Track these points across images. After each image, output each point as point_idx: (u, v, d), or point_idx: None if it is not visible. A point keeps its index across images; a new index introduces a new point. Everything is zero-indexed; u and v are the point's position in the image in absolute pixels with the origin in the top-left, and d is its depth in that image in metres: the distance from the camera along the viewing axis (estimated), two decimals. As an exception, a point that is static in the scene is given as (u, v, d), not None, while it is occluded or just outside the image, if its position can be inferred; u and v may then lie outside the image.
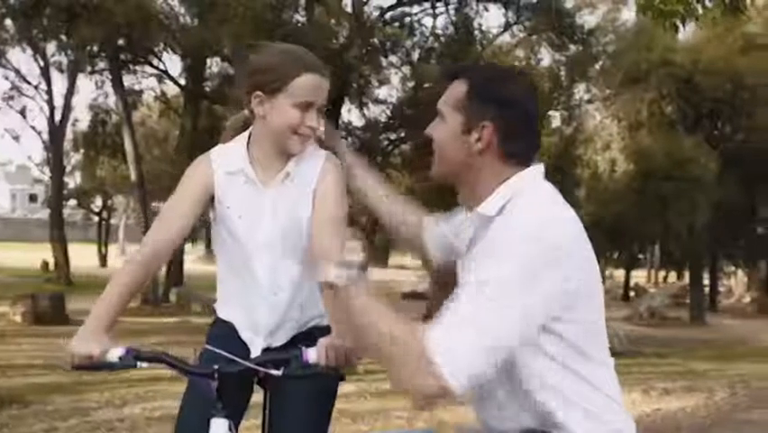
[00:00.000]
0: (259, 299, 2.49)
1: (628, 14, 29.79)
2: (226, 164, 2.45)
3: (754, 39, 28.09)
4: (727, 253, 36.69)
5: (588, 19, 26.48)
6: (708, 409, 7.59)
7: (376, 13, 21.99)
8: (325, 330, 2.49)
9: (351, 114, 28.44)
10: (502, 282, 1.93)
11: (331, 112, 21.17)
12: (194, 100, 26.02)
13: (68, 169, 40.95)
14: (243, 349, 2.51)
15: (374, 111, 23.33)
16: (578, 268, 2.03)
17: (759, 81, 27.81)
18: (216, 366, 2.20)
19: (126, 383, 9.69)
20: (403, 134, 22.66)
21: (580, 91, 29.52)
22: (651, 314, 29.54)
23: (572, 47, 23.43)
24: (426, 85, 21.07)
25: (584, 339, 2.08)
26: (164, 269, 25.88)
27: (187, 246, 29.60)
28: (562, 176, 25.22)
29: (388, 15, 22.26)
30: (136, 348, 2.22)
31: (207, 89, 25.90)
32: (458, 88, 2.17)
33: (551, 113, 26.30)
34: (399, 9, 22.48)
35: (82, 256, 38.30)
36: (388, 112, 22.99)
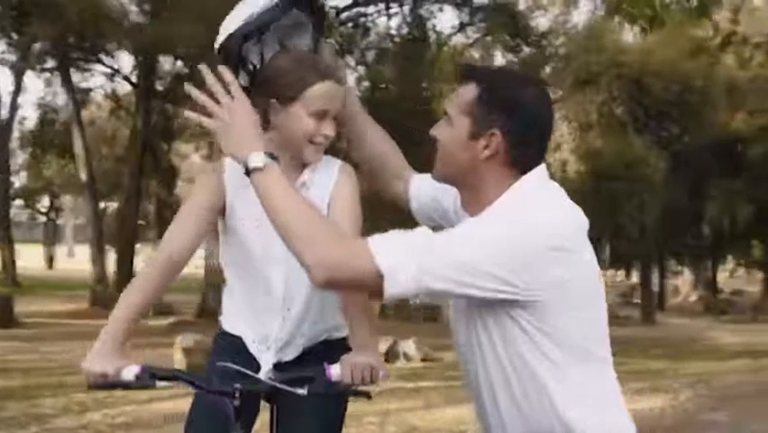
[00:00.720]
0: (271, 312, 2.43)
1: (579, 17, 30.11)
2: (239, 173, 2.37)
3: (701, 42, 28.56)
4: (675, 252, 37.23)
5: (540, 21, 26.71)
6: (675, 410, 7.69)
7: (332, 14, 21.87)
8: (335, 344, 2.48)
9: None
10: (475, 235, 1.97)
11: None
12: (146, 99, 25.66)
13: (15, 168, 40.11)
14: (252, 364, 2.43)
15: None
16: (571, 264, 2.01)
17: (707, 83, 28.29)
18: (238, 385, 2.14)
19: (81, 388, 9.50)
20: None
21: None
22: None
23: (526, 49, 23.57)
24: (382, 86, 21.04)
25: (586, 339, 2.07)
26: (113, 267, 25.57)
27: (137, 246, 29.09)
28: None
29: (343, 16, 22.19)
30: (151, 366, 2.14)
31: (160, 88, 25.54)
32: (468, 92, 2.13)
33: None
34: (355, 9, 22.43)
35: (28, 257, 37.61)
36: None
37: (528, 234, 1.96)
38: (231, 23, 2.30)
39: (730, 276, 44.21)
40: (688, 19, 7.89)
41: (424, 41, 22.80)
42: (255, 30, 2.28)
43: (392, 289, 1.93)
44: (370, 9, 22.62)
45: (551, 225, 1.99)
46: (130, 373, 2.11)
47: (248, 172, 2.07)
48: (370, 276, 1.93)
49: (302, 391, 2.11)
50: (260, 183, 2.06)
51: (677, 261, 40.40)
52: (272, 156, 2.08)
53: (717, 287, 39.99)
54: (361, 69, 22.96)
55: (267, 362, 2.43)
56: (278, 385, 2.13)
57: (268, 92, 2.29)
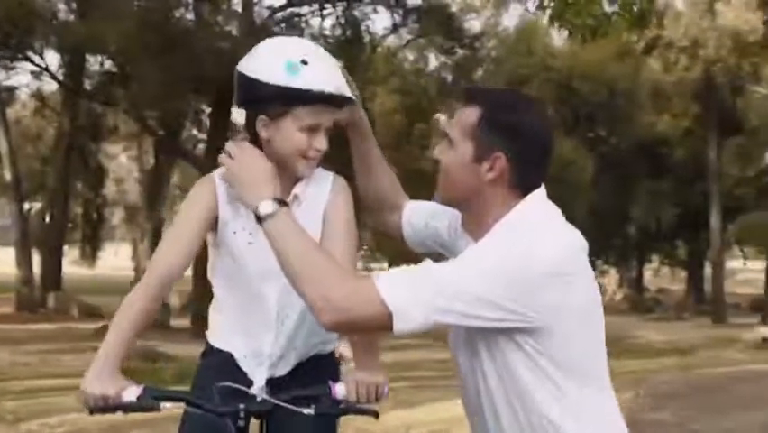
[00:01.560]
0: (265, 327, 2.39)
1: (509, 20, 30.47)
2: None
3: (627, 46, 29.16)
4: (602, 252, 37.97)
5: (472, 24, 26.92)
6: (621, 410, 7.75)
7: (266, 14, 21.74)
8: (325, 358, 2.47)
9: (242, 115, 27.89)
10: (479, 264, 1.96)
11: (222, 113, 20.82)
12: (73, 98, 25.13)
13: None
14: (244, 380, 2.38)
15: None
16: (572, 288, 2.02)
17: (633, 86, 28.93)
18: (242, 405, 2.10)
19: (10, 395, 9.23)
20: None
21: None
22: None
23: (460, 51, 23.74)
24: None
25: (587, 359, 2.09)
26: (38, 270, 24.98)
27: (65, 248, 28.48)
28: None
29: (278, 16, 22.05)
30: (152, 387, 2.08)
31: (88, 87, 25.02)
32: (470, 114, 2.12)
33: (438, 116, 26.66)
34: (289, 10, 22.28)
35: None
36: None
37: (529, 261, 1.96)
38: (266, 65, 2.21)
39: (655, 275, 45.19)
40: (628, 29, 7.98)
41: (358, 42, 22.77)
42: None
43: (401, 326, 1.94)
44: (305, 9, 22.47)
45: (552, 250, 2.00)
46: (131, 394, 2.04)
47: (259, 220, 2.08)
48: (379, 315, 1.94)
49: (308, 411, 2.08)
50: (270, 230, 2.07)
51: (603, 260, 41.22)
52: (282, 202, 2.09)
53: (643, 286, 40.89)
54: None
55: (260, 377, 2.39)
56: (284, 405, 2.09)
57: (260, 105, 2.23)
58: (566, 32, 7.84)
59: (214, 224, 2.33)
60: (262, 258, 2.28)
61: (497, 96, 2.23)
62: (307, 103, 2.18)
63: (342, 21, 22.96)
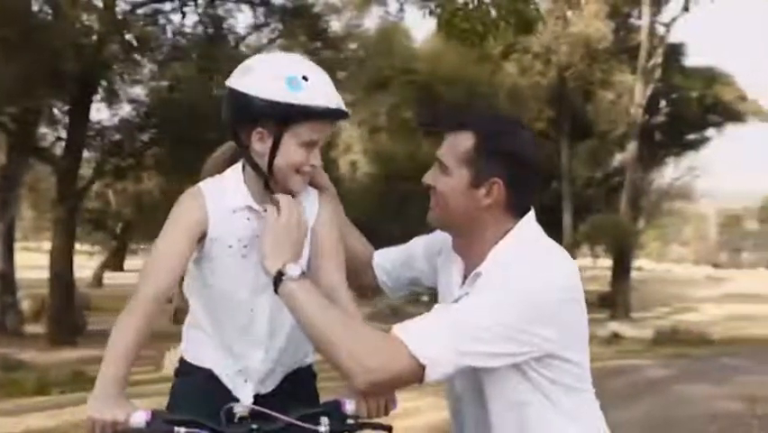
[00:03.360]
0: (254, 344, 2.33)
1: (371, 22, 30.67)
2: (225, 201, 2.27)
3: (485, 50, 29.93)
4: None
5: (337, 24, 26.94)
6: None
7: (128, 9, 21.08)
8: (306, 371, 2.46)
9: (100, 113, 26.92)
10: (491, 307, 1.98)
11: (80, 111, 20.09)
12: None
13: None
14: (228, 398, 2.32)
15: (126, 111, 22.32)
16: (577, 311, 2.11)
17: (491, 90, 29.66)
18: (254, 426, 2.05)
19: None
20: (156, 135, 21.83)
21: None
22: (393, 311, 30.62)
23: (324, 51, 23.72)
24: (180, 86, 20.53)
25: (582, 378, 2.16)
26: None
27: None
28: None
29: (139, 12, 21.44)
30: (159, 410, 2.01)
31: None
32: (465, 141, 2.15)
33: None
34: (151, 6, 21.71)
35: None
36: (142, 112, 22.04)
37: (544, 291, 2.01)
38: (266, 81, 2.16)
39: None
40: (516, 34, 8.20)
41: (221, 40, 22.42)
42: None
43: (433, 376, 1.96)
44: (167, 6, 21.94)
45: (562, 277, 2.07)
46: (140, 418, 1.96)
47: (278, 280, 2.07)
48: (411, 371, 1.95)
49: (323, 430, 2.04)
50: (293, 294, 2.05)
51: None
52: (303, 272, 2.10)
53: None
54: (156, 67, 22.24)
55: (247, 394, 2.34)
56: (297, 423, 2.04)
57: (255, 121, 2.18)
58: (467, 42, 7.96)
59: (201, 238, 2.26)
60: (256, 273, 2.24)
61: (489, 122, 2.25)
62: (309, 119, 2.15)
63: (204, 18, 22.56)
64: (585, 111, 32.23)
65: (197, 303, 2.37)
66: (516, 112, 31.56)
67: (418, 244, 2.54)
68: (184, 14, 22.36)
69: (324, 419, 2.05)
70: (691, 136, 35.01)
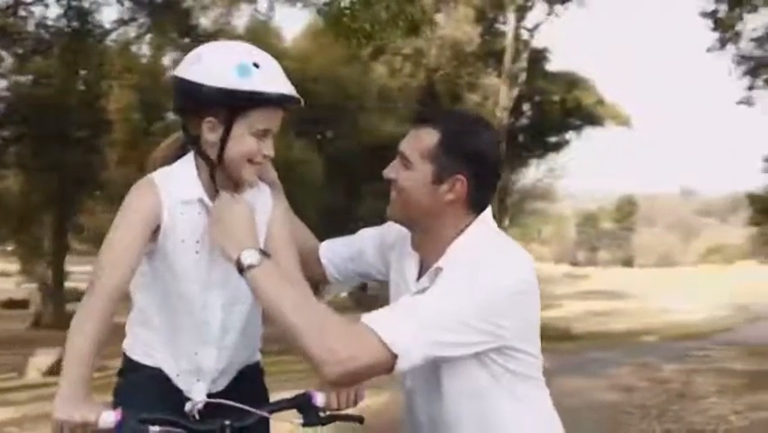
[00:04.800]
0: (205, 342, 2.28)
1: (240, 20, 30.26)
2: (178, 192, 2.19)
3: (355, 50, 30.08)
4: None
5: (202, 22, 26.37)
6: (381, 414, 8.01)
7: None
8: (254, 368, 2.44)
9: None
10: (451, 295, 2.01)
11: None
12: None
13: None
14: (178, 397, 2.26)
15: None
16: (532, 304, 2.16)
17: (361, 90, 29.84)
18: (228, 421, 2.01)
19: None
20: (19, 131, 20.92)
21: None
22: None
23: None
24: (44, 80, 19.76)
25: (537, 367, 2.22)
26: None
27: None
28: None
29: (1, 2, 20.46)
30: (127, 409, 1.92)
31: None
32: (429, 137, 2.16)
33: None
34: (13, -4, 20.79)
35: None
36: (2, 107, 21.06)
37: (502, 283, 2.05)
38: (214, 68, 2.11)
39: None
40: (403, 36, 8.27)
41: (85, 34, 21.68)
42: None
43: (404, 365, 1.96)
44: (30, -2, 21.05)
45: (517, 270, 2.10)
46: (110, 418, 1.88)
47: (240, 269, 2.01)
48: (384, 361, 1.94)
49: (298, 421, 2.04)
50: (256, 281, 2.00)
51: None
52: (265, 253, 2.04)
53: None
54: (18, 61, 21.33)
55: (199, 393, 2.27)
56: (268, 415, 2.03)
57: (206, 110, 2.12)
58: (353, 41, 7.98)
59: (154, 231, 2.18)
60: (208, 269, 2.21)
61: (453, 119, 2.28)
62: (260, 105, 2.12)
63: (69, 11, 21.76)
64: (453, 113, 32.77)
65: (146, 299, 2.28)
66: (385, 113, 31.96)
67: (368, 237, 2.54)
68: (47, 5, 21.52)
69: (297, 412, 2.05)
70: (553, 139, 36.22)
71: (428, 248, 2.21)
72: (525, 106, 35.06)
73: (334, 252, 2.56)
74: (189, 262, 2.21)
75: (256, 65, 2.11)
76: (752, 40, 18.65)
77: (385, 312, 2.00)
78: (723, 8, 17.96)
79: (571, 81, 33.84)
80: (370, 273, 2.54)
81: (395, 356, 1.93)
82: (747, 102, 19.00)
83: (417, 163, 2.16)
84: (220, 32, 26.27)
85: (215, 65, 2.11)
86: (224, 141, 2.14)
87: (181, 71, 2.16)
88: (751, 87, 18.96)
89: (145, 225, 2.15)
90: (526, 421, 2.18)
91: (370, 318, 1.97)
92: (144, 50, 27.02)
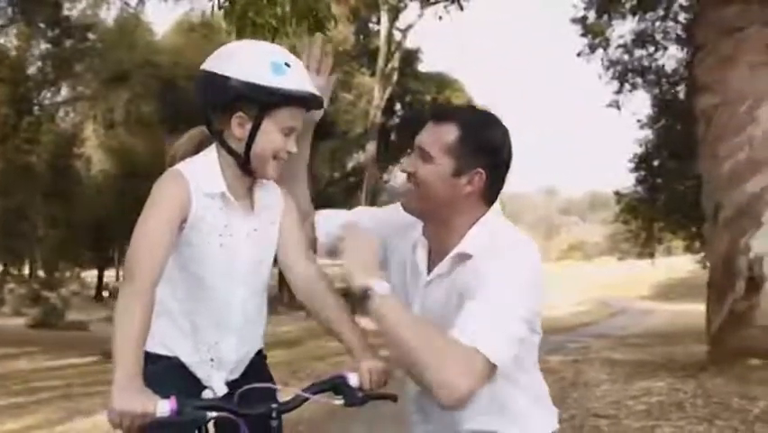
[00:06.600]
0: (227, 332, 2.31)
1: (108, 13, 29.41)
2: (203, 185, 2.20)
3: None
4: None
5: (75, 14, 25.53)
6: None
7: None
8: (260, 353, 2.49)
9: None
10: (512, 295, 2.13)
11: None
12: None
13: None
14: (198, 386, 2.30)
15: None
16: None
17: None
18: (275, 405, 2.04)
19: None
20: None
21: (65, 88, 28.45)
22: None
23: (67, 41, 22.54)
24: None
25: (535, 347, 2.36)
26: None
27: None
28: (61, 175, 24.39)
29: None
30: (180, 396, 1.91)
31: None
32: (449, 133, 2.25)
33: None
34: None
35: None
36: None
37: (538, 270, 2.22)
38: (249, 66, 2.14)
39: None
40: (309, 32, 8.24)
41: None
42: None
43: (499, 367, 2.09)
44: None
45: (538, 261, 2.25)
46: (166, 407, 1.87)
47: (364, 299, 2.09)
48: (487, 376, 2.06)
49: (339, 402, 2.10)
50: (382, 310, 2.08)
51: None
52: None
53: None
54: None
55: (219, 381, 2.32)
56: (313, 397, 2.09)
57: (236, 105, 2.16)
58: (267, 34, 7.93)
59: (181, 223, 2.19)
60: (232, 259, 2.26)
61: (471, 115, 2.36)
62: (291, 104, 2.18)
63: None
64: (327, 111, 32.78)
65: (165, 290, 2.25)
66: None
67: (367, 217, 2.58)
68: None
69: (333, 394, 2.13)
70: (419, 138, 36.74)
71: (440, 237, 2.31)
72: (398, 106, 35.47)
73: (330, 225, 2.59)
74: (214, 254, 2.25)
75: (287, 64, 2.16)
76: (619, 46, 19.56)
77: (484, 326, 2.07)
78: (592, 15, 18.72)
79: (442, 82, 34.50)
80: None
81: (495, 366, 2.05)
82: (616, 105, 19.83)
83: (438, 157, 2.24)
84: (92, 26, 25.56)
85: (249, 61, 2.14)
86: (251, 136, 2.18)
87: (212, 66, 2.18)
88: (619, 91, 19.80)
89: (177, 214, 2.16)
90: (531, 398, 2.34)
91: (476, 339, 2.04)
92: (13, 41, 25.89)
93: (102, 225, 30.92)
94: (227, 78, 2.13)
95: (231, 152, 2.23)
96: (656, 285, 47.46)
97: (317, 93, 2.23)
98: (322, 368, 11.46)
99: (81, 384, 11.21)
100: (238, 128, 2.18)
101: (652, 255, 30.80)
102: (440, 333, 2.05)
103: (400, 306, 2.13)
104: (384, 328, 2.09)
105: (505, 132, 2.32)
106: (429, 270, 2.34)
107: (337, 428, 6.84)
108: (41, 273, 40.43)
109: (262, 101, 2.15)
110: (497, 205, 2.35)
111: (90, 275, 43.99)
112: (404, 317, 2.09)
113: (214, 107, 2.22)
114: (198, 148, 2.33)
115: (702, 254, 21.21)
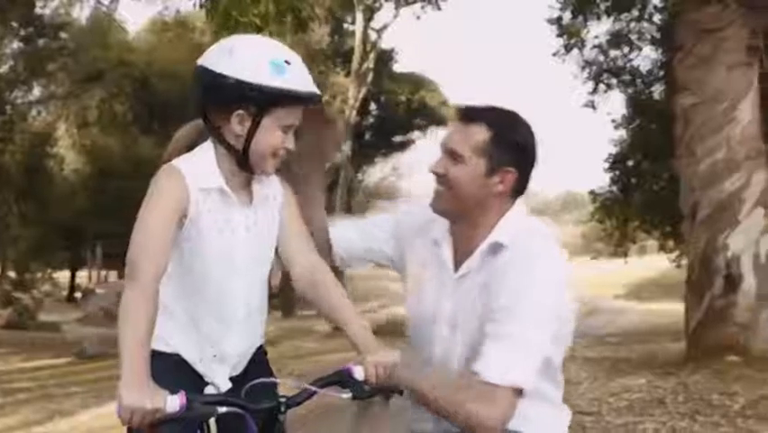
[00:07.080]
0: (230, 326, 2.32)
1: (81, 12, 29.14)
2: (200, 181, 2.21)
3: (199, 47, 29.56)
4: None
5: (49, 12, 25.25)
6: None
7: None
8: (261, 348, 2.50)
9: None
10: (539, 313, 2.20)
11: None
12: None
13: None
14: (200, 383, 2.30)
15: None
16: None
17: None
18: (283, 399, 2.04)
19: None
20: None
21: (38, 87, 28.13)
22: (105, 314, 29.38)
23: (40, 40, 22.31)
24: None
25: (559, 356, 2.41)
26: None
27: None
28: (33, 175, 24.18)
29: None
30: (190, 392, 1.92)
31: None
32: (480, 133, 2.28)
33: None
34: None
35: None
36: None
37: (564, 289, 2.29)
38: (249, 64, 2.14)
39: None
40: (292, 32, 8.26)
41: None
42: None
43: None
44: None
45: (565, 269, 2.32)
46: (175, 403, 1.87)
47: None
48: (515, 402, 2.15)
49: (346, 396, 2.11)
50: (411, 383, 2.22)
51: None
52: None
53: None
54: None
55: (223, 377, 2.33)
56: (321, 390, 2.08)
57: (236, 103, 2.16)
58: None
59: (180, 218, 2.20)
60: (231, 252, 2.26)
61: (499, 115, 2.38)
62: (290, 102, 2.19)
63: None
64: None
65: (167, 286, 2.24)
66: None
67: (381, 224, 2.62)
68: None
69: (340, 388, 2.14)
70: (398, 138, 36.87)
71: (467, 234, 2.35)
72: (372, 106, 35.48)
73: (345, 238, 2.63)
74: (214, 249, 2.25)
75: (287, 62, 2.16)
76: (594, 46, 19.64)
77: (505, 358, 2.14)
78: (567, 15, 18.80)
79: (417, 82, 34.59)
80: (375, 258, 2.65)
81: (522, 390, 2.14)
82: (591, 106, 19.91)
83: (470, 158, 2.28)
84: (65, 25, 25.32)
85: (249, 60, 2.14)
86: (250, 133, 2.18)
87: (210, 63, 2.18)
88: (594, 92, 19.89)
89: (176, 210, 2.17)
90: (547, 399, 2.39)
91: (501, 375, 2.12)
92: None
93: (75, 226, 30.66)
94: (226, 78, 2.13)
95: (229, 147, 2.23)
96: (630, 284, 47.73)
97: (316, 90, 2.23)
98: (303, 367, 11.43)
99: (57, 385, 11.14)
100: (237, 125, 2.18)
101: (625, 255, 30.98)
102: (456, 383, 2.19)
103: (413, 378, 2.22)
104: (420, 396, 2.24)
105: (531, 130, 2.36)
106: (456, 267, 2.36)
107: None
108: (12, 274, 40.02)
109: (264, 100, 2.15)
110: (521, 198, 2.40)
111: (63, 276, 43.54)
112: (427, 381, 2.23)
113: (211, 104, 2.21)
114: (194, 143, 2.32)
115: (676, 254, 21.31)
